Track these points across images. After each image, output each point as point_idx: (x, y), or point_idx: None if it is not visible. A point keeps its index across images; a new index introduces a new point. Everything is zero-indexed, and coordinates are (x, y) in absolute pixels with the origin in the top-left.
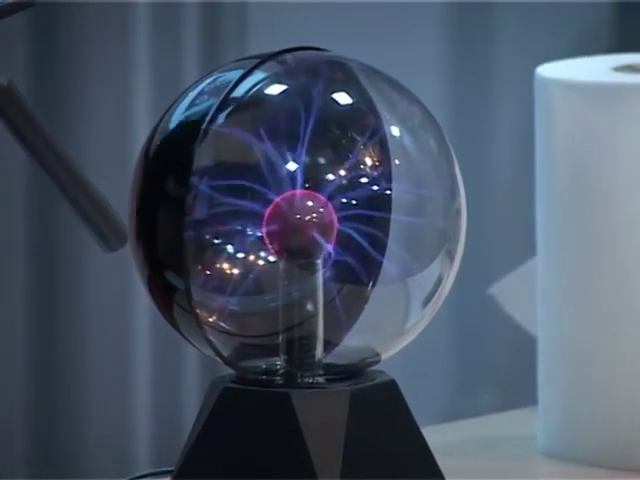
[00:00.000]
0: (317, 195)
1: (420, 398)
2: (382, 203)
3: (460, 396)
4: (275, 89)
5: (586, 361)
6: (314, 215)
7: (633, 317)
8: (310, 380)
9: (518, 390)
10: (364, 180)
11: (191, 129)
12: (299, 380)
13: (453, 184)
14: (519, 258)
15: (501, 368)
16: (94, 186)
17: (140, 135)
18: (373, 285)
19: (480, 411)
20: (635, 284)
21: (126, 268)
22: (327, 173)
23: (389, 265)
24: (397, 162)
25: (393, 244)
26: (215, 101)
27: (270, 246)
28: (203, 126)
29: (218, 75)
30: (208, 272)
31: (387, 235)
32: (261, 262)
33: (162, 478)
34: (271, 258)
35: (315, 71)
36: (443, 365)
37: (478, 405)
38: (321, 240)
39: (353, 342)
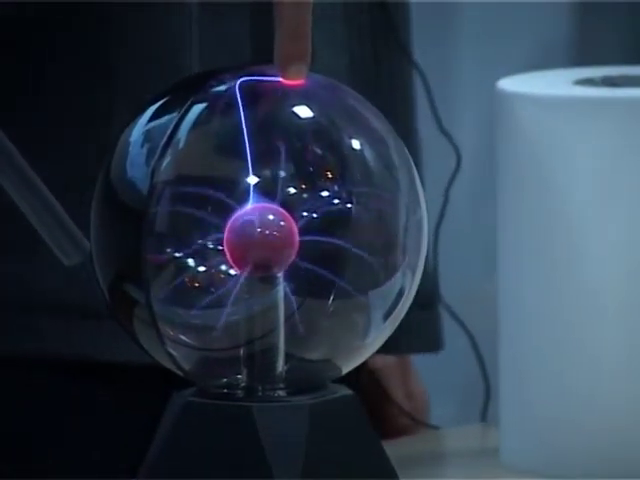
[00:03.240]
0: (278, 209)
1: None
2: (343, 216)
3: None
4: (235, 103)
5: (547, 377)
6: (275, 229)
7: (595, 335)
8: (271, 393)
9: (481, 403)
10: (325, 194)
11: (151, 144)
12: (260, 393)
13: (414, 198)
14: (480, 272)
15: (462, 380)
16: (52, 197)
17: None
18: (334, 298)
19: (442, 424)
20: (597, 300)
21: None
22: (288, 187)
23: (351, 278)
24: (358, 176)
25: (355, 257)
26: (175, 115)
27: (231, 259)
28: (163, 140)
29: (178, 88)
30: (169, 286)
31: (349, 248)
32: (222, 275)
33: None
34: (232, 271)
35: (275, 85)
36: None
37: (440, 418)
38: (282, 254)
39: (314, 355)
